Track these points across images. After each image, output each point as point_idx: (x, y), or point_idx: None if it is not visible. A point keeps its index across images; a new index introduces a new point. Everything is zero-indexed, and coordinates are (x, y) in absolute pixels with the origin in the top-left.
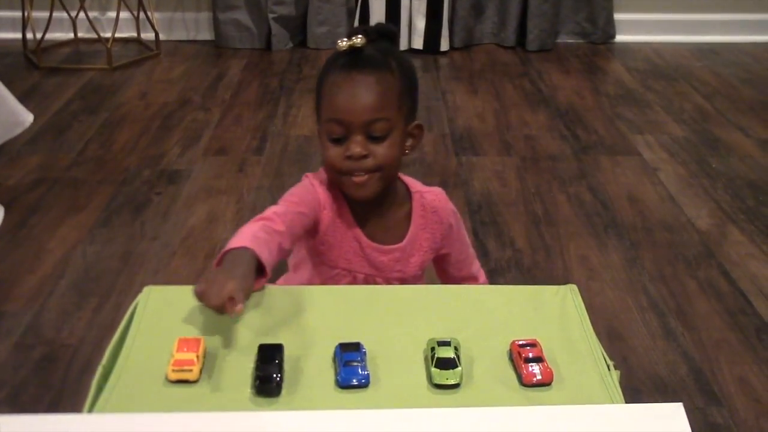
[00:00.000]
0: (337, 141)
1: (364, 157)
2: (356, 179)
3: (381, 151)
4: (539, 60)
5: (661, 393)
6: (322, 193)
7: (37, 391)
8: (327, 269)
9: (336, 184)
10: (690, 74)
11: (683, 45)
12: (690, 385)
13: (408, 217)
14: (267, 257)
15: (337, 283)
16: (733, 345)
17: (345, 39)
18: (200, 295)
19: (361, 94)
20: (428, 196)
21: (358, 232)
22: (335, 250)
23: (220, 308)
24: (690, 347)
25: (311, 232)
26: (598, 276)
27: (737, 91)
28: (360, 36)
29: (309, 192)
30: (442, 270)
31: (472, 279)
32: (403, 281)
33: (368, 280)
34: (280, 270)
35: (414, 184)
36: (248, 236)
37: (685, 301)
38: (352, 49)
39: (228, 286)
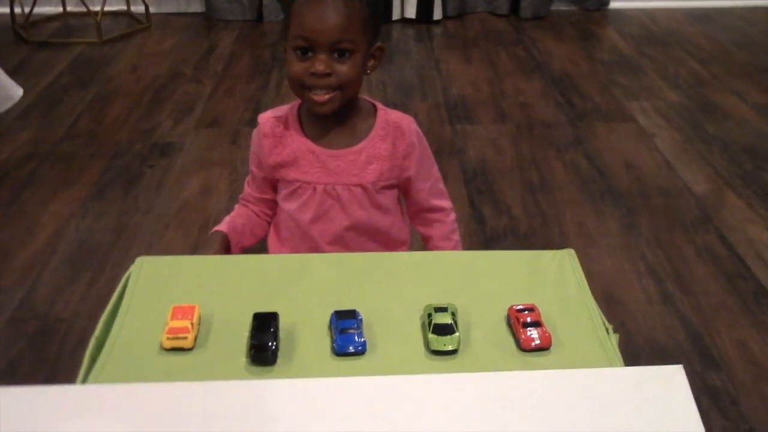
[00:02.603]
0: (303, 57)
1: (327, 75)
2: (317, 97)
3: (343, 69)
4: (533, 28)
5: (659, 357)
6: (265, 124)
7: (32, 366)
8: (286, 186)
9: (297, 97)
10: (684, 39)
11: (677, 10)
12: (688, 349)
13: (369, 129)
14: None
15: (298, 198)
16: (731, 309)
17: None
18: None
19: (329, 16)
20: (393, 115)
21: (309, 142)
22: (291, 167)
23: None
24: (688, 312)
25: (266, 169)
26: (595, 242)
27: (732, 55)
28: None
29: (255, 145)
30: (412, 201)
31: (438, 211)
32: (364, 189)
33: (327, 190)
34: None
35: (384, 107)
36: (227, 221)
37: (682, 266)
38: None
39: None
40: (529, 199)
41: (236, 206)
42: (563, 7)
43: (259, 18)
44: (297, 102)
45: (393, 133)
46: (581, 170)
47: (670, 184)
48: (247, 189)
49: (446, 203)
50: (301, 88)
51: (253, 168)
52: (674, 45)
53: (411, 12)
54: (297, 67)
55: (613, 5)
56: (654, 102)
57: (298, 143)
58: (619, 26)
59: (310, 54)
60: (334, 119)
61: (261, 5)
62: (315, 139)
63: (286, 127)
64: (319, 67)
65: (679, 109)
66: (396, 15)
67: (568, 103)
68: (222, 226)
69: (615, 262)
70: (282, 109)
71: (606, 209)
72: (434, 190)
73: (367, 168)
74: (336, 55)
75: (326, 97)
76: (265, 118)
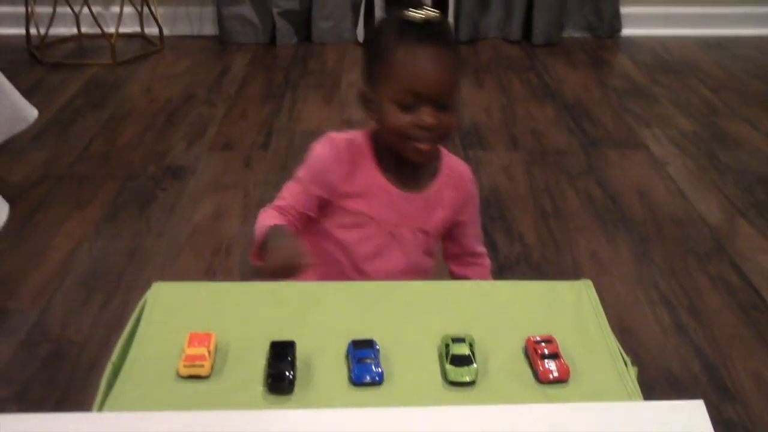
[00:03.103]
0: (405, 108)
1: (434, 127)
2: (421, 146)
3: (446, 120)
4: (545, 54)
5: (674, 389)
6: (343, 150)
7: (43, 389)
8: (348, 216)
9: (393, 148)
10: (697, 68)
11: (690, 38)
12: (703, 381)
13: (435, 173)
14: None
15: (359, 231)
16: (746, 340)
17: (413, 10)
18: (276, 271)
19: (439, 69)
20: (454, 161)
21: (383, 179)
22: (360, 199)
23: (290, 271)
24: (702, 343)
25: (331, 192)
26: (608, 271)
27: (745, 84)
28: (435, 10)
29: (332, 159)
30: (452, 241)
31: (479, 256)
32: (426, 236)
33: (392, 230)
34: None
35: (446, 150)
36: (277, 218)
37: (696, 296)
38: (426, 22)
39: (289, 248)
40: (542, 227)
41: (270, 211)
42: (576, 34)
43: (273, 41)
44: (369, 131)
45: (456, 180)
46: (594, 198)
47: (683, 212)
48: (290, 200)
49: (484, 248)
50: (402, 138)
51: (311, 185)
52: (687, 73)
53: None
54: (402, 119)
55: (625, 32)
56: (667, 130)
57: (371, 177)
58: (632, 53)
59: (413, 106)
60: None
61: (274, 28)
62: (388, 177)
63: (361, 156)
64: (429, 120)
65: (692, 137)
66: None
67: (580, 130)
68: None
69: (628, 291)
70: (355, 136)
71: (619, 237)
72: (478, 236)
73: (432, 214)
74: (439, 107)
75: (429, 146)
76: (342, 140)
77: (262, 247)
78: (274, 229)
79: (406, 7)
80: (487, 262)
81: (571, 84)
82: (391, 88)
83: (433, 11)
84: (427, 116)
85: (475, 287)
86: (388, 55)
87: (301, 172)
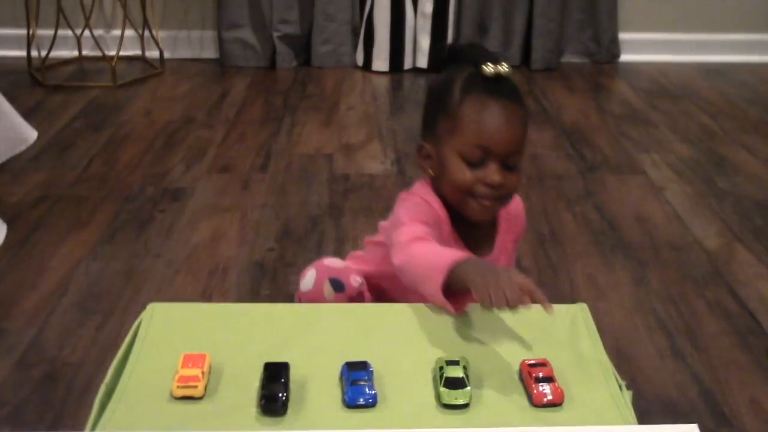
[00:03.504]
0: (472, 164)
1: (501, 186)
2: (485, 203)
3: (512, 180)
4: (544, 79)
5: (671, 414)
6: (439, 209)
7: (38, 410)
8: None
9: (455, 204)
10: (695, 94)
11: (688, 65)
12: (700, 406)
13: (494, 224)
14: None
15: None
16: (744, 366)
17: (490, 63)
18: (491, 301)
19: (510, 126)
20: (511, 203)
21: (463, 246)
22: None
23: (518, 302)
24: (699, 368)
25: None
26: (605, 296)
27: (743, 111)
28: (506, 65)
29: (431, 212)
30: None
31: None
32: None
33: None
34: None
35: None
36: (449, 251)
37: (693, 322)
38: (498, 76)
39: (515, 279)
40: (539, 251)
41: (421, 244)
42: (574, 60)
43: (273, 65)
44: (430, 191)
45: (512, 224)
46: (592, 222)
47: (680, 238)
48: (424, 229)
49: None
50: (465, 194)
51: (434, 226)
52: (685, 99)
53: (423, 62)
54: (467, 175)
55: (624, 58)
56: (664, 155)
57: (451, 242)
58: (630, 79)
59: (480, 162)
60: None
61: (275, 52)
62: (463, 240)
63: (439, 218)
64: (496, 178)
65: (690, 162)
66: (408, 64)
67: (578, 155)
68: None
69: (625, 316)
70: (430, 197)
71: (616, 262)
72: (513, 262)
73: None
74: (506, 165)
75: (491, 204)
76: (433, 202)
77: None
78: (470, 263)
79: (477, 61)
80: None
81: (569, 109)
82: (458, 141)
83: (505, 66)
84: (494, 173)
85: (470, 310)
86: (456, 107)
87: (414, 218)
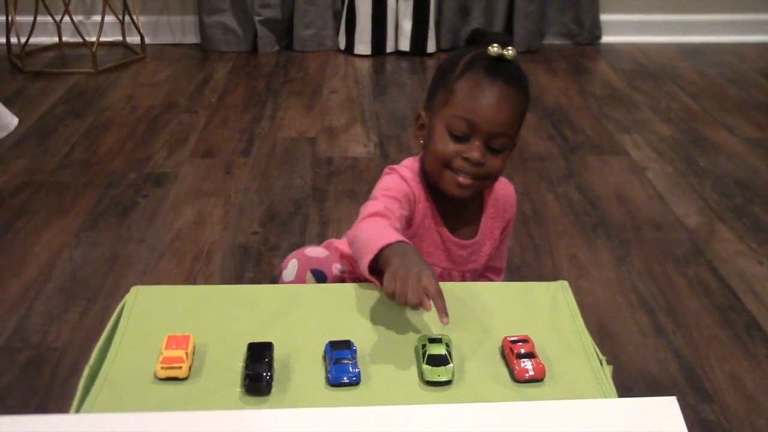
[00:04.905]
0: (456, 137)
1: (479, 163)
2: (461, 180)
3: (494, 162)
4: (526, 61)
5: (652, 390)
6: (415, 187)
7: (23, 395)
8: None
9: (432, 176)
10: (676, 74)
11: (669, 45)
12: (681, 382)
13: (480, 207)
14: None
15: None
16: (724, 342)
17: (496, 45)
18: (394, 295)
19: (500, 106)
20: (499, 188)
21: (442, 226)
22: (418, 243)
23: (418, 304)
24: (681, 344)
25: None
26: (587, 275)
27: (723, 90)
28: (512, 49)
29: (404, 187)
30: None
31: (498, 271)
32: (474, 273)
33: (443, 274)
34: None
35: None
36: (390, 231)
37: (674, 299)
38: (500, 57)
39: (423, 281)
40: (522, 232)
41: (371, 221)
42: (556, 41)
43: (254, 49)
44: (417, 164)
45: (501, 208)
46: (574, 203)
47: (662, 216)
48: (388, 204)
49: (505, 263)
50: (444, 166)
51: (400, 206)
52: (666, 79)
53: (405, 44)
54: (449, 147)
55: (605, 40)
56: (646, 135)
57: (428, 221)
58: (612, 60)
59: (465, 136)
60: (457, 201)
61: (256, 36)
62: (443, 220)
63: (419, 196)
64: (475, 154)
65: (671, 142)
66: (390, 47)
67: (560, 136)
68: (399, 236)
69: (607, 295)
70: (409, 174)
71: (598, 242)
72: (506, 253)
73: (481, 251)
74: (491, 146)
75: (469, 182)
76: (411, 180)
77: (377, 260)
78: (397, 248)
79: (488, 43)
80: (502, 276)
81: (551, 90)
82: (447, 112)
83: (511, 50)
84: (474, 149)
85: (452, 288)
86: (453, 80)
87: (386, 194)
